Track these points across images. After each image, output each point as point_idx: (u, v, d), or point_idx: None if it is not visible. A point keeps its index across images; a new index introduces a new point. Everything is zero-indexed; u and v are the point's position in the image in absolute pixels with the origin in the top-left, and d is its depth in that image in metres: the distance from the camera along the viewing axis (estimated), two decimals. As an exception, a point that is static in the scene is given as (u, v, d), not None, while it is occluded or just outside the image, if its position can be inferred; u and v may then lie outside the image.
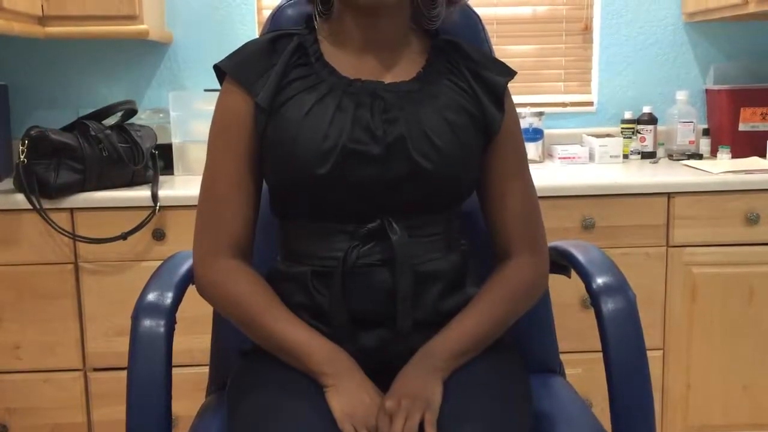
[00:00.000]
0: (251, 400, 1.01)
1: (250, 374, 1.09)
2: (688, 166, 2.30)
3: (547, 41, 2.62)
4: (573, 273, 1.24)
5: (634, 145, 2.49)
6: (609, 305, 1.10)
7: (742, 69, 2.57)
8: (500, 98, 1.13)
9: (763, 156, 2.35)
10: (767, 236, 2.09)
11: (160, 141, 2.24)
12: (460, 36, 1.18)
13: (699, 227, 2.08)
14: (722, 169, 2.16)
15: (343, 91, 1.07)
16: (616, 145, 2.41)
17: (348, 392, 0.98)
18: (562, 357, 1.38)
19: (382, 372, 1.04)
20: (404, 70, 1.11)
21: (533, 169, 1.21)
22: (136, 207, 2.00)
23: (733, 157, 2.37)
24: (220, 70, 1.11)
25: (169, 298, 1.10)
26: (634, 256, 2.09)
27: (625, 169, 2.30)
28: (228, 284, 1.08)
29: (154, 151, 2.16)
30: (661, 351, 2.13)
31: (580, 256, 1.20)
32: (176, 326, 1.08)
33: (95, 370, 2.09)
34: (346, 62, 1.10)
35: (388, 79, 1.09)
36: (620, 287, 1.12)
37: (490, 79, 1.13)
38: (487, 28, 1.33)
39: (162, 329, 1.06)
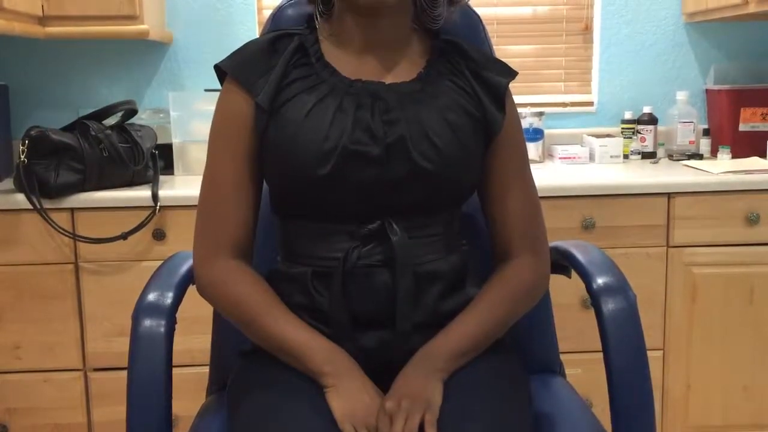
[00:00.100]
0: (251, 400, 1.01)
1: (250, 374, 1.09)
2: (688, 166, 2.30)
3: (548, 41, 2.62)
4: (573, 273, 1.24)
5: (635, 145, 2.49)
6: (609, 305, 1.10)
7: (742, 69, 2.57)
8: (501, 99, 1.13)
9: (763, 156, 2.35)
10: (767, 236, 2.09)
11: (160, 141, 2.24)
12: (460, 36, 1.18)
13: (699, 227, 2.08)
14: (722, 169, 2.16)
15: (343, 91, 1.07)
16: (617, 145, 2.41)
17: (348, 392, 0.98)
18: (562, 357, 1.38)
19: (382, 372, 1.04)
20: (405, 70, 1.11)
21: (533, 169, 1.21)
22: (137, 207, 2.00)
23: (733, 158, 2.37)
24: (220, 70, 1.11)
25: (169, 298, 1.09)
26: (635, 256, 2.09)
27: (626, 169, 2.30)
28: (228, 284, 1.08)
29: (154, 151, 2.16)
30: (661, 351, 2.13)
31: (580, 257, 1.20)
32: (176, 326, 1.08)
33: (95, 370, 2.09)
34: (346, 62, 1.10)
35: (389, 80, 1.09)
36: (620, 287, 1.12)
37: (491, 80, 1.12)
38: (488, 28, 1.33)
39: (162, 329, 1.06)
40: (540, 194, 1.19)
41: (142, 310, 1.08)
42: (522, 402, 1.05)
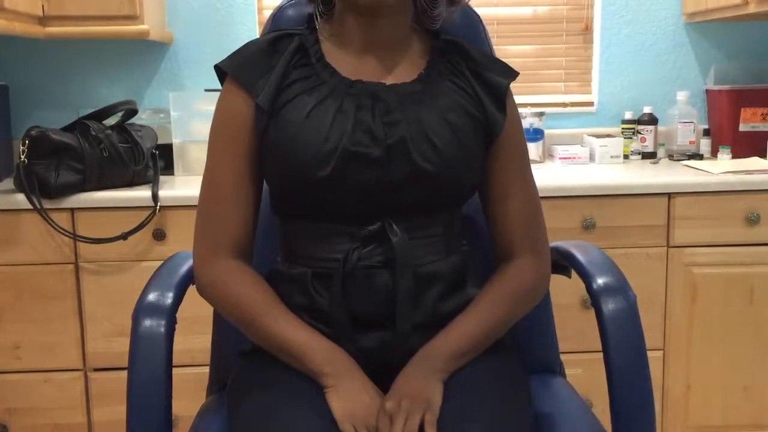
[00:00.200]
0: (251, 400, 1.01)
1: (250, 374, 1.09)
2: (688, 166, 2.30)
3: (548, 41, 2.62)
4: (573, 273, 1.24)
5: (635, 145, 2.49)
6: (609, 305, 1.10)
7: (742, 69, 2.57)
8: (502, 100, 1.12)
9: (763, 156, 2.35)
10: (767, 236, 2.09)
11: (160, 141, 2.24)
12: (460, 36, 1.17)
13: (699, 228, 2.08)
14: (723, 169, 2.16)
15: (344, 92, 1.07)
16: (617, 145, 2.41)
17: (348, 393, 0.98)
18: (562, 357, 1.38)
19: (382, 373, 1.04)
20: (406, 71, 1.11)
21: (534, 169, 1.21)
22: (137, 207, 2.00)
23: (733, 158, 2.37)
24: (220, 70, 1.11)
25: (169, 298, 1.09)
26: (635, 256, 2.09)
27: (626, 169, 2.30)
28: (228, 284, 1.08)
29: (154, 151, 2.16)
30: (662, 351, 2.13)
31: (580, 257, 1.20)
32: (176, 326, 1.08)
33: (95, 370, 2.09)
34: (347, 63, 1.10)
35: (389, 81, 1.09)
36: (620, 288, 1.12)
37: (491, 81, 1.12)
38: (488, 28, 1.33)
39: (162, 329, 1.06)
40: (540, 194, 1.19)
41: (142, 310, 1.08)
42: (522, 402, 1.05)
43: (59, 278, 2.03)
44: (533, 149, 2.41)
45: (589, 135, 2.49)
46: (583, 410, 1.17)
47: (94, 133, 2.03)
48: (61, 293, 2.03)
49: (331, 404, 0.97)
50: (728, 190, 2.07)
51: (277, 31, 1.14)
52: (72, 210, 2.00)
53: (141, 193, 2.01)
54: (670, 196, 2.07)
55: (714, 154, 2.50)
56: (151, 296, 1.10)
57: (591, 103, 2.63)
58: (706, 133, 2.52)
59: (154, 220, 2.00)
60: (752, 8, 2.14)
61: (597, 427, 1.12)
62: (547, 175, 2.17)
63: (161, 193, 2.01)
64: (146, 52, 2.51)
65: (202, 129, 2.22)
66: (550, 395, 1.22)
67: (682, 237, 2.08)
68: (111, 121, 2.13)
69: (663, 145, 2.54)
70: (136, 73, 2.52)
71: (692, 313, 2.12)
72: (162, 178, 2.16)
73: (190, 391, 1.87)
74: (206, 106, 2.24)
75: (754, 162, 2.28)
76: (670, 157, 2.50)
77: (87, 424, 2.10)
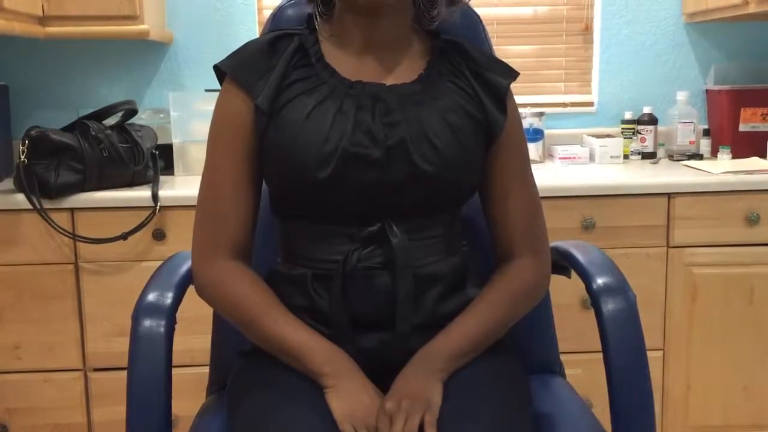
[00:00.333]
0: (251, 400, 1.01)
1: (250, 375, 1.09)
2: (688, 166, 2.30)
3: (548, 41, 2.62)
4: (573, 273, 1.24)
5: (635, 145, 2.49)
6: (609, 306, 1.10)
7: (742, 69, 2.57)
8: (502, 100, 1.12)
9: (763, 156, 2.35)
10: (767, 236, 2.09)
11: (160, 141, 2.24)
12: (460, 36, 1.17)
13: (699, 228, 2.08)
14: (722, 169, 2.16)
15: (344, 93, 1.07)
16: (617, 145, 2.41)
17: (348, 393, 0.98)
18: (562, 357, 1.38)
19: (382, 373, 1.04)
20: (406, 71, 1.11)
21: (534, 169, 1.21)
22: (137, 207, 2.00)
23: (733, 158, 2.37)
24: (220, 70, 1.10)
25: (169, 298, 1.09)
26: (635, 256, 2.08)
27: (626, 169, 2.30)
28: (227, 285, 1.08)
29: (154, 151, 2.16)
30: (662, 351, 2.13)
31: (580, 257, 1.20)
32: (176, 326, 1.08)
33: (95, 370, 2.09)
34: (347, 63, 1.10)
35: (389, 81, 1.09)
36: (620, 288, 1.12)
37: (492, 81, 1.12)
38: (488, 28, 1.33)
39: (162, 329, 1.06)
40: (540, 194, 1.19)
41: (142, 310, 1.08)
42: (522, 402, 1.05)
43: (59, 278, 2.03)
44: (533, 149, 2.41)
45: (589, 135, 2.49)
46: (583, 410, 1.17)
47: (94, 133, 2.03)
48: (61, 293, 2.03)
49: (330, 404, 0.97)
50: (728, 190, 2.07)
51: (276, 31, 1.13)
52: (72, 210, 2.00)
53: (141, 193, 2.02)
54: (670, 196, 2.07)
55: (714, 154, 2.50)
56: (151, 296, 1.10)
57: (591, 103, 2.63)
58: (706, 133, 2.52)
59: (154, 220, 2.00)
60: (752, 8, 2.14)
61: (597, 428, 1.12)
62: (547, 175, 2.17)
63: (161, 193, 2.01)
64: (146, 52, 2.51)
65: (202, 129, 2.21)
66: (549, 395, 1.22)
67: (682, 237, 2.09)
68: (111, 121, 2.13)
69: (663, 145, 2.54)
70: (136, 73, 2.52)
71: (692, 313, 2.12)
72: (162, 178, 2.16)
73: (190, 391, 1.87)
74: (206, 106, 2.24)
75: (754, 162, 2.28)
76: (670, 157, 2.50)
77: (87, 424, 2.10)
